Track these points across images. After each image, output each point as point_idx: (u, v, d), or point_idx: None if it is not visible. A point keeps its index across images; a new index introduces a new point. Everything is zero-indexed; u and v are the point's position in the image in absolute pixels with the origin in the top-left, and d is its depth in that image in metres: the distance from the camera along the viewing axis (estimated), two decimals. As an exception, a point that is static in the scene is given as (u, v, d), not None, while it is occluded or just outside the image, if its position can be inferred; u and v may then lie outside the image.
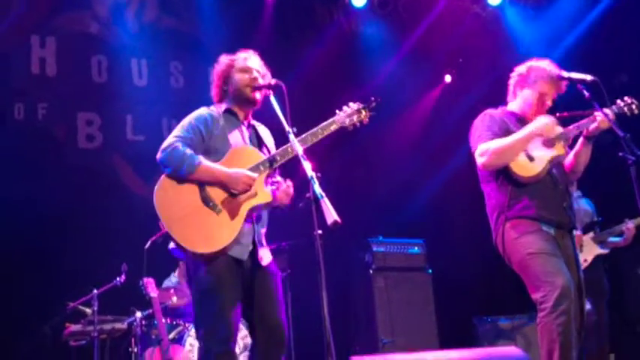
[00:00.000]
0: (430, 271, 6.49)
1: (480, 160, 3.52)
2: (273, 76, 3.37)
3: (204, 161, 3.07)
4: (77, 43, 6.74)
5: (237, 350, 5.20)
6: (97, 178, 6.51)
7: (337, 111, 3.21)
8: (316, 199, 2.75)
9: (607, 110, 3.49)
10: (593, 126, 3.55)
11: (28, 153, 6.26)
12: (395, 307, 6.17)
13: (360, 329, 6.34)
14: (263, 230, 3.21)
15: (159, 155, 3.12)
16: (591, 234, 4.81)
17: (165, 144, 3.13)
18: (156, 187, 3.08)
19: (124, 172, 6.67)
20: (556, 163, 3.60)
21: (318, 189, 2.75)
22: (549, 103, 3.65)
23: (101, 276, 5.56)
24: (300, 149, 2.99)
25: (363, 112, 3.20)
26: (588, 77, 3.48)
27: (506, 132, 3.55)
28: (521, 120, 3.64)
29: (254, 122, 3.39)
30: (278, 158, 3.12)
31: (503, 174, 3.55)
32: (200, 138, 3.16)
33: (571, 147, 3.70)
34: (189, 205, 3.03)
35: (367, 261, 6.36)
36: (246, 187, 3.03)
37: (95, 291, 5.46)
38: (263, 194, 3.09)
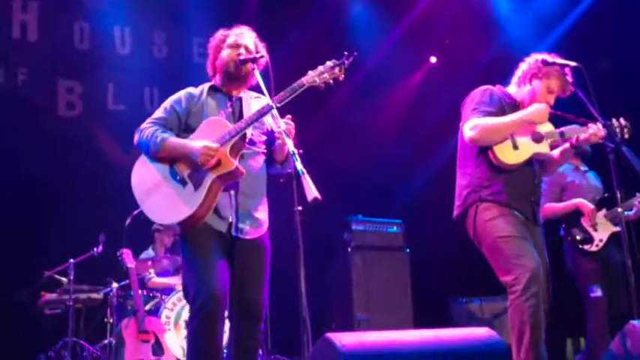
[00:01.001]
0: (408, 250, 6.54)
1: (467, 134, 3.50)
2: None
3: (170, 138, 3.12)
4: (60, 8, 6.63)
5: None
6: (76, 146, 6.43)
7: (309, 72, 3.11)
8: (297, 175, 2.74)
9: (599, 126, 3.51)
10: (584, 136, 3.57)
11: (6, 119, 6.16)
12: (372, 285, 6.23)
13: (336, 306, 6.39)
14: (251, 202, 3.17)
15: (135, 137, 3.21)
16: (604, 211, 4.66)
17: (140, 126, 3.21)
18: (135, 163, 3.20)
19: (104, 141, 6.59)
20: (536, 159, 3.62)
21: (299, 165, 2.74)
22: (552, 102, 3.63)
23: (79, 246, 5.53)
24: (283, 125, 2.97)
25: (337, 69, 3.08)
26: (572, 63, 3.49)
27: (501, 112, 3.54)
28: (516, 107, 3.63)
29: (246, 94, 3.34)
30: (244, 126, 3.08)
31: (483, 155, 3.55)
32: (175, 117, 3.21)
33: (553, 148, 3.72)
34: (159, 181, 3.12)
35: (346, 239, 6.40)
36: (206, 158, 3.02)
37: (72, 260, 5.43)
38: (226, 163, 3.03)
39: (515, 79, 3.73)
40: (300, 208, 2.84)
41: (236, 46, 3.26)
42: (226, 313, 3.10)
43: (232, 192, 3.11)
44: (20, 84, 6.42)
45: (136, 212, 5.06)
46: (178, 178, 3.09)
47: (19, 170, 6.02)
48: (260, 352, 4.61)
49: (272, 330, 5.63)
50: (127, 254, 5.24)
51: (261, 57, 3.23)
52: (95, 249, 5.44)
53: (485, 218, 3.49)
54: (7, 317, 5.63)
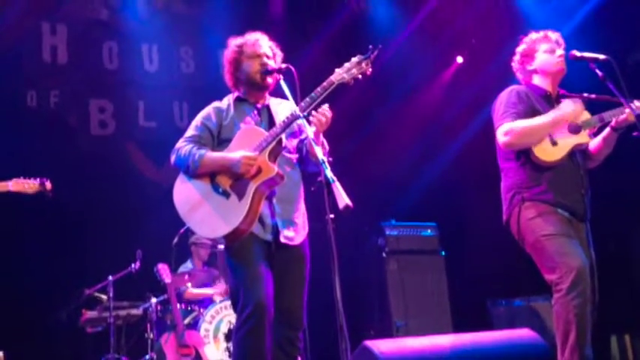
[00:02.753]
0: (443, 253, 6.48)
1: (502, 139, 3.48)
2: (283, 58, 3.36)
3: (208, 153, 3.16)
4: (88, 29, 6.75)
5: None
6: (110, 164, 6.54)
7: (336, 70, 3.12)
8: (328, 183, 2.74)
9: (638, 104, 3.43)
10: (622, 117, 3.49)
11: (41, 141, 6.28)
12: (408, 290, 6.18)
13: (373, 313, 6.35)
14: (290, 208, 3.20)
15: (172, 158, 3.25)
16: None
17: (175, 147, 3.26)
18: (175, 183, 3.24)
19: (136, 158, 6.69)
20: (578, 150, 3.56)
21: (329, 173, 2.74)
22: (561, 60, 3.58)
23: (117, 263, 5.61)
24: (311, 133, 2.98)
25: (364, 64, 3.08)
26: (601, 56, 3.43)
27: (532, 110, 3.50)
28: (547, 95, 3.59)
29: (272, 100, 3.36)
30: (279, 131, 3.10)
31: (524, 155, 3.51)
32: (208, 133, 3.25)
33: (595, 135, 3.65)
34: (202, 196, 3.15)
35: (380, 244, 6.36)
36: (247, 167, 3.06)
37: (110, 277, 5.51)
38: (267, 170, 3.07)
39: (520, 71, 3.69)
40: (332, 215, 2.83)
41: (257, 56, 3.28)
42: None
43: (272, 199, 3.14)
44: (53, 106, 6.54)
45: (182, 230, 5.14)
46: (221, 190, 3.12)
47: (57, 190, 6.10)
48: (299, 360, 4.76)
49: (310, 338, 5.62)
50: (163, 269, 5.29)
51: (287, 67, 3.24)
52: (133, 265, 5.51)
53: (527, 217, 3.45)
54: (50, 337, 5.72)
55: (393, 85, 7.05)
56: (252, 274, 3.03)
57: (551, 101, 3.61)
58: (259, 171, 3.07)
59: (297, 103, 3.07)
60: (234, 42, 3.36)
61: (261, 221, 3.11)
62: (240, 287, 3.05)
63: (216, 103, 3.35)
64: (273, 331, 3.12)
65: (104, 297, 5.58)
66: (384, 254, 6.28)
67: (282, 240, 3.11)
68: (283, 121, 3.11)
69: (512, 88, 3.62)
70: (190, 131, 3.28)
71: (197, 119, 3.31)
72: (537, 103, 3.56)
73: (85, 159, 6.46)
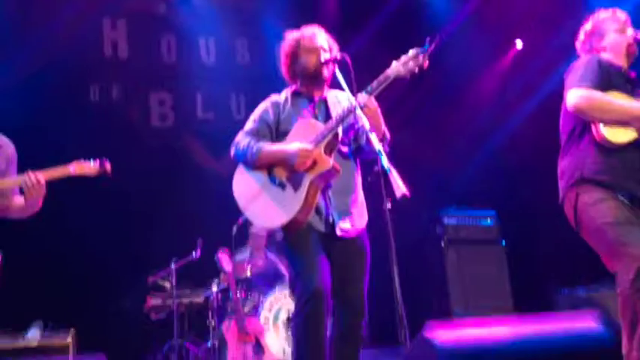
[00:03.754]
0: (503, 242, 6.38)
1: (574, 101, 3.21)
2: (338, 47, 3.35)
3: (265, 146, 3.22)
4: (147, 24, 6.89)
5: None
6: (170, 156, 6.68)
7: (393, 62, 3.08)
8: (384, 173, 2.73)
9: None
10: None
11: (103, 134, 6.47)
12: (468, 279, 6.11)
13: (432, 303, 6.32)
14: (347, 199, 3.21)
15: (231, 151, 3.32)
16: None
17: (235, 140, 3.31)
18: (234, 175, 3.31)
19: (195, 149, 6.82)
20: None
21: (385, 162, 2.73)
22: (633, 38, 3.46)
23: (179, 251, 5.75)
24: (367, 124, 2.97)
25: (421, 57, 3.03)
26: None
27: (608, 83, 3.32)
28: (622, 72, 3.44)
29: (329, 93, 3.37)
30: (334, 125, 3.12)
31: (588, 134, 3.36)
32: (266, 127, 3.30)
33: None
34: (259, 188, 3.21)
35: (439, 233, 6.31)
36: (303, 159, 3.09)
37: (173, 265, 5.65)
38: (323, 163, 3.09)
39: (586, 51, 3.55)
40: (389, 205, 2.82)
41: (314, 49, 3.29)
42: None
43: (328, 191, 3.17)
44: (115, 99, 6.73)
45: (240, 221, 5.22)
46: (277, 182, 3.18)
47: (120, 182, 6.29)
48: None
49: (370, 328, 5.64)
50: (223, 257, 5.38)
51: (342, 57, 3.24)
52: (194, 253, 5.63)
53: (586, 202, 3.28)
54: (116, 323, 5.90)
55: (450, 71, 6.95)
56: (308, 262, 3.08)
57: (628, 80, 3.43)
58: (315, 164, 3.10)
59: (352, 94, 3.06)
60: (291, 35, 3.38)
61: (318, 213, 3.15)
62: (298, 275, 3.11)
63: (273, 97, 3.38)
64: (336, 322, 3.17)
65: (167, 284, 5.73)
66: (442, 243, 6.23)
67: (339, 232, 3.15)
68: (339, 115, 3.13)
69: (595, 55, 3.45)
70: (249, 124, 3.33)
71: (255, 113, 3.36)
72: (614, 78, 3.39)
73: (146, 151, 6.62)
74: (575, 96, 3.24)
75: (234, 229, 5.41)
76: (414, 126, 6.99)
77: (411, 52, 3.06)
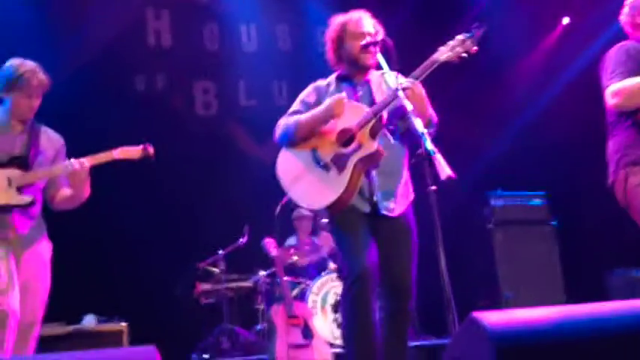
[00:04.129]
0: (554, 223, 6.26)
1: (611, 101, 3.26)
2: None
3: (302, 116, 3.26)
4: (189, 12, 6.95)
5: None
6: (215, 143, 6.75)
7: (440, 48, 3.06)
8: (428, 155, 2.70)
9: None
10: None
11: (149, 123, 6.57)
12: (517, 261, 6.02)
13: (481, 285, 6.25)
14: (391, 179, 3.21)
15: (275, 134, 3.35)
16: None
17: (278, 123, 3.35)
18: (278, 155, 3.35)
19: (239, 136, 6.87)
20: None
21: (429, 145, 2.71)
22: None
23: (226, 237, 5.82)
24: (409, 106, 2.95)
25: (469, 42, 3.00)
26: None
27: None
28: None
29: (372, 75, 3.36)
30: (379, 109, 3.12)
31: (633, 116, 3.31)
32: (305, 107, 3.32)
33: None
34: (303, 168, 3.24)
35: (485, 215, 6.22)
36: (340, 106, 3.12)
37: (221, 251, 5.73)
38: (368, 145, 3.10)
39: (630, 25, 3.44)
40: (434, 187, 2.80)
41: (359, 34, 3.27)
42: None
43: (373, 172, 3.17)
44: (160, 89, 6.82)
45: (284, 201, 5.23)
46: (321, 163, 3.18)
47: (167, 171, 6.41)
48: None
49: (419, 311, 5.62)
50: (270, 243, 5.42)
51: (383, 40, 3.22)
52: (241, 239, 5.70)
53: (635, 183, 3.25)
54: (168, 308, 6.02)
55: (495, 50, 6.81)
56: (355, 242, 3.11)
57: None
58: (359, 146, 3.11)
59: (394, 78, 3.05)
60: (337, 20, 3.37)
61: (362, 193, 3.15)
62: (345, 256, 3.16)
63: (318, 82, 3.40)
64: (384, 303, 3.19)
65: (216, 270, 5.82)
66: (490, 225, 6.15)
67: (383, 212, 3.15)
68: (384, 99, 3.12)
69: (622, 45, 3.39)
70: (292, 108, 3.38)
71: (299, 97, 3.40)
72: None
73: (192, 139, 6.70)
74: (609, 95, 3.25)
75: (278, 209, 5.42)
76: (460, 107, 6.88)
77: (459, 37, 3.03)
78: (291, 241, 6.14)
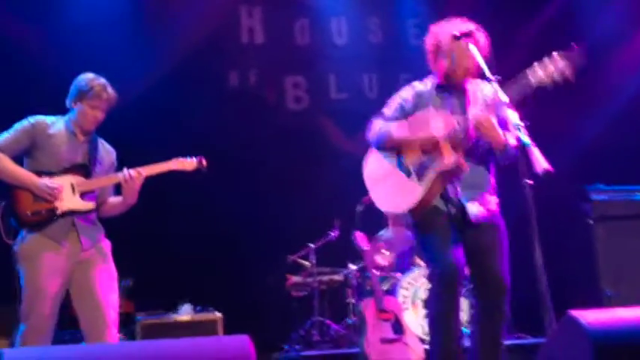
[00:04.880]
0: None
1: None
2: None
3: (396, 128, 3.31)
4: (281, 9, 7.04)
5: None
6: (306, 137, 6.82)
7: (534, 64, 3.00)
8: (524, 148, 2.63)
9: None
10: None
11: (242, 118, 6.72)
12: (620, 258, 5.74)
13: (579, 282, 6.02)
14: (476, 191, 3.23)
15: (367, 135, 3.44)
16: None
17: (372, 123, 3.42)
18: (366, 156, 3.47)
19: (330, 130, 6.90)
20: None
21: (524, 137, 2.64)
22: None
23: (317, 231, 5.87)
24: (505, 98, 2.90)
25: (563, 64, 2.95)
26: None
27: None
28: None
29: (471, 83, 3.33)
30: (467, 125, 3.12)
31: None
32: (402, 113, 3.34)
33: None
34: (386, 172, 3.35)
35: (585, 210, 5.97)
36: (431, 143, 3.15)
37: (312, 245, 5.79)
38: (448, 158, 3.15)
39: None
40: (530, 181, 2.72)
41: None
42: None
43: (456, 184, 3.21)
44: (252, 85, 6.96)
45: (366, 199, 5.24)
46: (404, 169, 3.28)
47: (259, 164, 6.55)
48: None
49: (514, 308, 5.47)
50: (360, 237, 5.43)
51: (477, 30, 3.17)
52: (331, 233, 5.73)
53: None
54: (261, 300, 6.14)
55: (595, 38, 6.51)
56: (438, 242, 3.18)
57: None
58: (440, 158, 3.16)
59: (489, 69, 2.99)
60: (434, 29, 3.37)
61: (447, 199, 3.20)
62: (429, 257, 3.28)
63: (417, 85, 3.40)
64: (477, 300, 3.23)
65: (307, 263, 5.88)
66: (590, 221, 5.89)
67: (470, 217, 3.18)
68: (462, 126, 3.15)
69: None
70: (386, 110, 3.41)
71: (396, 98, 3.41)
72: None
73: (284, 133, 6.79)
74: None
75: (359, 207, 5.43)
76: (558, 98, 6.62)
77: (554, 54, 2.99)
78: (384, 234, 6.10)
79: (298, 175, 6.58)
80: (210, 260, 6.20)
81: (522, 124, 2.73)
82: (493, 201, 3.28)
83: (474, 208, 3.20)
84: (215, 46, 6.76)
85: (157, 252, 6.01)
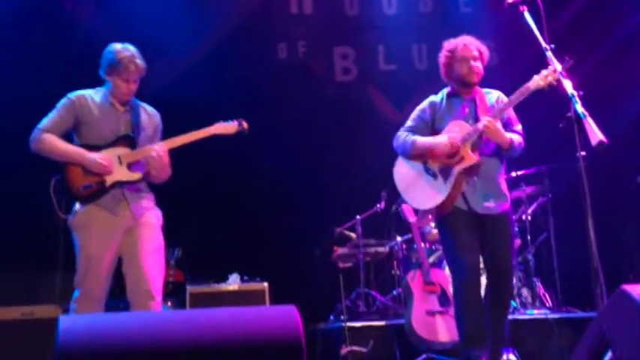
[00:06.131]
0: None
1: None
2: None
3: (418, 139, 3.87)
4: (329, -22, 6.96)
5: None
6: (354, 108, 6.78)
7: (534, 76, 3.51)
8: (578, 119, 2.56)
9: None
10: None
11: (291, 89, 6.71)
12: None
13: (633, 257, 5.88)
14: (490, 183, 3.76)
15: (394, 144, 3.99)
16: None
17: (396, 134, 3.98)
18: (395, 164, 4.01)
19: (378, 101, 6.84)
20: None
21: (579, 108, 2.57)
22: None
23: (363, 203, 5.86)
24: (559, 66, 2.98)
25: (557, 73, 3.17)
26: None
27: None
28: None
29: (479, 93, 3.85)
30: (470, 136, 3.71)
31: None
32: (423, 124, 3.93)
33: None
34: (415, 176, 3.92)
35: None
36: (448, 149, 3.71)
37: (358, 217, 5.79)
38: (468, 158, 3.70)
39: None
40: (584, 153, 2.65)
41: (465, 59, 3.79)
42: None
43: (475, 179, 3.74)
44: (301, 56, 6.93)
45: (400, 202, 5.29)
46: (430, 172, 3.84)
47: (308, 136, 6.54)
48: (549, 303, 5.37)
49: (562, 285, 5.38)
50: (407, 209, 5.39)
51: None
52: (378, 205, 5.72)
53: None
54: (308, 271, 6.19)
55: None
56: (459, 241, 3.72)
57: None
58: (462, 159, 3.72)
59: (542, 34, 2.93)
60: (447, 46, 3.88)
61: (465, 197, 3.74)
62: (449, 254, 3.84)
63: (432, 98, 3.96)
64: (489, 284, 3.80)
65: (353, 235, 5.89)
66: (645, 193, 5.74)
67: (484, 210, 3.72)
68: (475, 129, 3.70)
69: None
70: (408, 122, 3.97)
71: (415, 111, 3.98)
72: None
73: (332, 105, 6.77)
74: None
75: (394, 207, 5.51)
76: (613, 66, 6.42)
77: (550, 68, 3.30)
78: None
79: (345, 147, 6.56)
80: (259, 231, 6.27)
81: (576, 93, 2.64)
82: (505, 198, 3.79)
83: (487, 203, 3.73)
84: (264, 18, 6.75)
85: (207, 223, 6.10)
